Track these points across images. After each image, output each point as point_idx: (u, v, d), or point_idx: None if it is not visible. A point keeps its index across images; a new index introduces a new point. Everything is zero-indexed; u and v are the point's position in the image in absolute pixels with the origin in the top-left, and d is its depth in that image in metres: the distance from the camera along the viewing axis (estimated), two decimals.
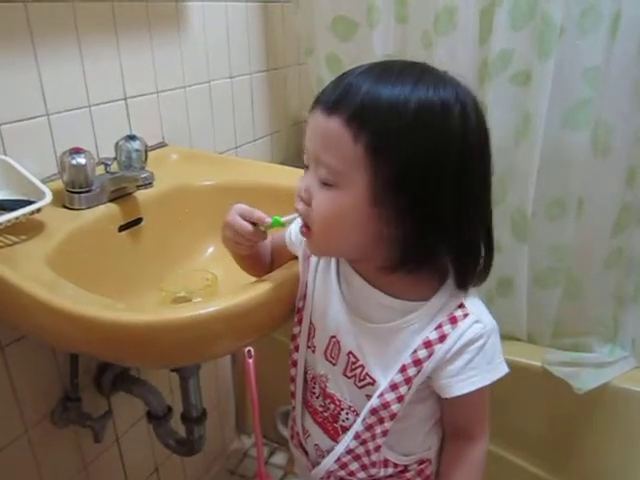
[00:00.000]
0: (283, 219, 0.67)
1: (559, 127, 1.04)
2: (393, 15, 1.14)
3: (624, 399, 1.07)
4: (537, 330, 1.21)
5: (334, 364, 0.70)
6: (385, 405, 0.65)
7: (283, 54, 1.45)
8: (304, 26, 1.27)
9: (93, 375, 1.03)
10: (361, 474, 0.71)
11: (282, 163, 1.45)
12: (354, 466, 0.70)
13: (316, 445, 0.75)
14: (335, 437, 0.72)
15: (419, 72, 0.57)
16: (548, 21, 0.96)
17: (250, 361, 1.09)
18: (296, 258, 0.74)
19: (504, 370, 0.64)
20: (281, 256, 0.76)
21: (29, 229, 0.76)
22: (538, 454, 1.16)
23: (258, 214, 0.68)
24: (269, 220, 0.67)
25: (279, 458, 1.55)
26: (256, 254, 0.75)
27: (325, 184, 0.58)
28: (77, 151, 0.84)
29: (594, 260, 1.12)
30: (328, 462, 0.72)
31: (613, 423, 1.09)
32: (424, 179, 0.55)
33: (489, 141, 0.59)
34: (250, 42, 1.32)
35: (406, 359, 0.63)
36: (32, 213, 0.75)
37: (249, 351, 1.09)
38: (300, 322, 0.73)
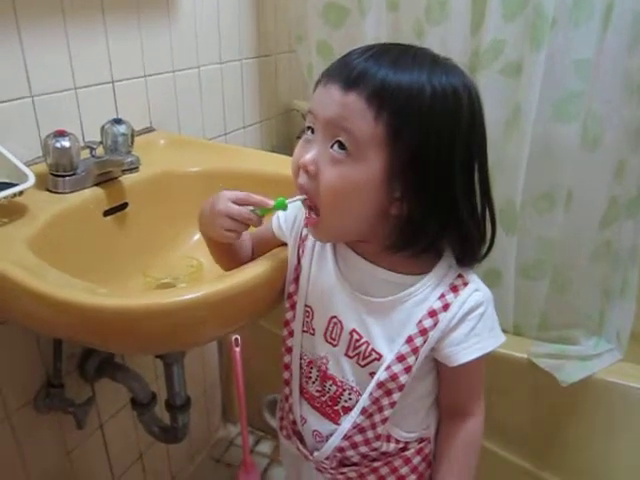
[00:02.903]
0: (287, 201, 0.64)
1: (549, 119, 1.03)
2: (384, 2, 1.12)
3: (608, 392, 1.08)
4: (523, 322, 1.21)
5: (335, 345, 0.70)
6: (393, 377, 0.66)
7: (274, 41, 1.44)
8: (295, 12, 1.26)
9: (77, 361, 1.02)
10: (363, 448, 0.71)
11: (272, 150, 1.44)
12: (358, 438, 0.71)
13: (315, 431, 0.75)
14: (336, 420, 0.73)
15: (431, 59, 0.60)
16: (540, 12, 0.96)
17: (237, 349, 1.08)
18: (280, 246, 0.74)
19: (502, 338, 0.67)
20: (264, 247, 0.76)
21: (11, 212, 0.75)
22: (522, 445, 1.17)
23: (257, 197, 0.66)
24: (271, 203, 0.65)
25: (265, 447, 1.55)
26: (237, 246, 0.74)
27: (339, 156, 0.58)
28: (61, 134, 0.82)
29: (581, 253, 1.12)
30: (335, 440, 0.72)
31: (597, 415, 1.10)
32: (436, 161, 0.58)
33: (485, 127, 0.62)
34: (241, 28, 1.30)
35: (412, 329, 0.65)
36: (14, 196, 0.74)
37: (236, 339, 1.09)
38: (293, 307, 0.73)
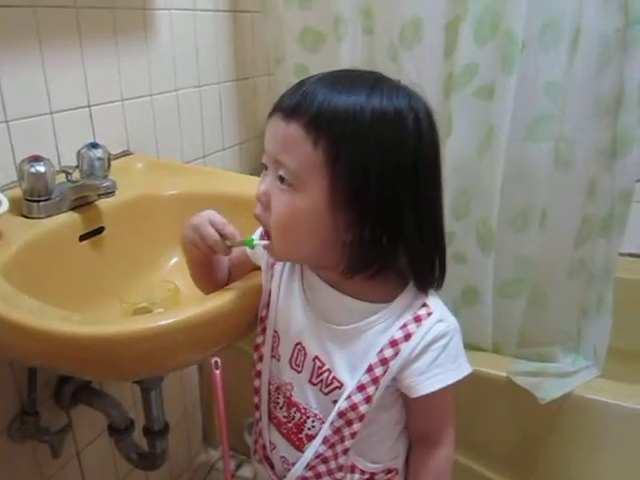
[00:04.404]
0: (256, 241, 0.66)
1: (522, 140, 1.05)
2: (360, 27, 1.14)
3: (586, 408, 1.09)
4: (502, 340, 1.22)
5: (299, 372, 0.70)
6: (353, 407, 0.65)
7: (252, 64, 1.45)
8: (272, 37, 1.28)
9: (52, 388, 1.00)
10: (327, 479, 0.71)
11: (251, 173, 1.44)
12: (321, 468, 0.70)
13: (282, 457, 0.75)
14: (300, 447, 0.72)
15: (373, 81, 0.59)
16: (510, 36, 0.98)
17: (217, 372, 1.07)
18: (257, 269, 0.74)
19: (468, 369, 0.65)
20: (241, 269, 0.76)
21: None
22: (502, 463, 1.17)
23: (230, 229, 0.67)
24: (240, 239, 0.67)
25: (247, 471, 1.53)
26: (210, 263, 0.74)
27: (283, 187, 0.59)
28: (36, 159, 0.82)
29: (557, 271, 1.13)
30: (298, 468, 0.71)
31: (575, 432, 1.11)
32: (380, 186, 0.57)
33: (439, 147, 0.62)
34: (219, 51, 1.32)
35: (373, 358, 0.64)
36: None
37: (216, 362, 1.08)
38: (264, 331, 0.73)
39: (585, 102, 1.02)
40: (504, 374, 1.13)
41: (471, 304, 1.20)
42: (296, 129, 0.57)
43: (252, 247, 0.67)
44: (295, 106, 0.57)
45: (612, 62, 0.99)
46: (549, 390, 1.08)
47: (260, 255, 0.73)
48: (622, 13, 0.96)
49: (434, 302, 0.65)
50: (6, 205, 0.75)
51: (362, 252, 0.60)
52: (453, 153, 1.10)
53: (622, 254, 1.12)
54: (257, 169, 1.55)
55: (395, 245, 0.61)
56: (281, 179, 0.59)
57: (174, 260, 0.98)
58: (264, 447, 0.78)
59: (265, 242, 0.64)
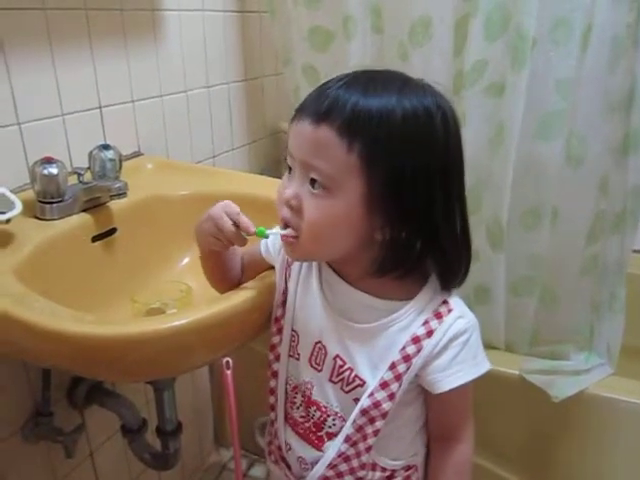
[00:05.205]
0: (267, 231, 0.65)
1: (533, 137, 1.05)
2: (369, 26, 1.14)
3: (600, 406, 1.08)
4: (514, 338, 1.21)
5: (319, 370, 0.70)
6: (376, 404, 0.65)
7: (261, 64, 1.45)
8: (280, 36, 1.28)
9: (66, 388, 1.01)
10: (349, 478, 0.71)
11: (260, 173, 1.45)
12: (343, 467, 0.70)
13: (300, 457, 0.74)
14: (319, 446, 0.72)
15: (401, 82, 0.60)
16: (521, 33, 0.97)
17: (228, 372, 1.07)
18: (270, 269, 0.74)
19: (487, 366, 0.66)
20: (254, 268, 0.76)
21: None
22: (515, 462, 1.17)
23: (243, 220, 0.66)
24: (253, 230, 0.66)
25: (258, 470, 1.53)
26: (223, 259, 0.74)
27: (316, 192, 0.59)
28: (49, 161, 0.82)
29: (569, 268, 1.13)
30: (320, 467, 0.71)
31: (589, 430, 1.10)
32: (414, 184, 0.58)
33: (462, 145, 0.62)
34: (227, 52, 1.32)
35: (395, 356, 0.64)
36: (1, 224, 0.73)
37: (227, 362, 1.08)
38: (280, 331, 0.73)
39: (596, 98, 1.01)
40: (517, 372, 1.12)
41: (483, 302, 1.19)
42: (328, 133, 0.57)
43: (264, 237, 0.66)
44: (326, 110, 0.57)
45: (623, 58, 0.98)
46: (562, 388, 1.07)
47: (274, 254, 0.73)
48: (633, 9, 0.95)
49: (453, 298, 0.66)
50: (19, 207, 0.75)
51: (395, 252, 0.61)
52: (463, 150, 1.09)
53: (635, 250, 1.11)
54: (266, 169, 1.57)
55: (426, 244, 0.61)
56: (312, 182, 0.59)
57: (186, 260, 0.98)
58: (280, 448, 0.78)
59: (278, 231, 0.63)
